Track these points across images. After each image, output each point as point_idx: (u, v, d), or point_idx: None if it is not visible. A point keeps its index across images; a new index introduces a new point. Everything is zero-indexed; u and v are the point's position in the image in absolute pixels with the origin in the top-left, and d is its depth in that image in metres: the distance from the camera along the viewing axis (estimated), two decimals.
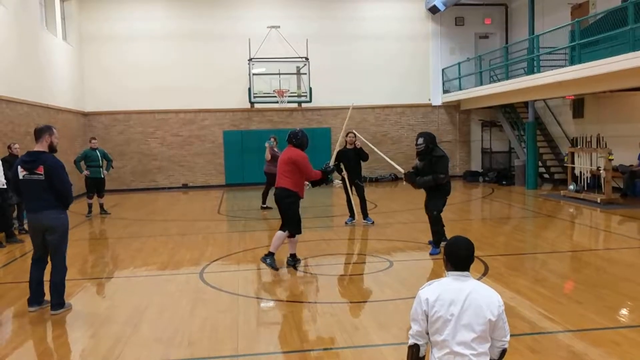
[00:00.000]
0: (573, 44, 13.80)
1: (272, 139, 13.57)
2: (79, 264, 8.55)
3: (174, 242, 10.17)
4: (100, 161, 13.76)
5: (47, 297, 6.11)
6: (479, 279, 7.14)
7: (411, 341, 3.51)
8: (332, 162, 8.86)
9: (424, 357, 3.49)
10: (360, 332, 5.35)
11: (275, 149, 13.33)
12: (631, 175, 14.10)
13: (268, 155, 13.28)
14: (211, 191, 19.43)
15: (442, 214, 8.47)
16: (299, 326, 5.60)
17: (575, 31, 13.81)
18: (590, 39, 13.28)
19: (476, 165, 21.64)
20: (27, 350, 5.15)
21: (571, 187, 14.46)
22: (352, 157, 11.20)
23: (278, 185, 7.66)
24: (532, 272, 7.51)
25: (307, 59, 19.04)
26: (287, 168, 7.56)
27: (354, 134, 11.53)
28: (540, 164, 18.26)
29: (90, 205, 13.75)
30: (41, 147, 5.99)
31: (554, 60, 16.09)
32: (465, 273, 3.49)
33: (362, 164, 11.43)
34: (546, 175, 18.59)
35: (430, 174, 8.14)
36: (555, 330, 5.23)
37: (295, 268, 7.78)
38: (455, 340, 3.33)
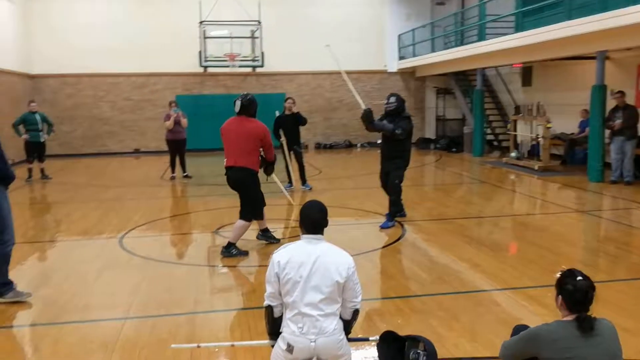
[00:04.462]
0: (516, 11, 13.87)
1: (176, 106, 13.24)
2: None
3: (105, 207, 10.09)
4: (40, 125, 13.48)
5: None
6: (397, 241, 7.33)
7: (265, 302, 3.60)
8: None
9: (280, 317, 3.59)
10: (257, 293, 5.43)
11: (173, 113, 12.98)
12: (570, 143, 14.38)
13: (171, 124, 12.89)
14: (163, 157, 19.12)
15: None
16: (200, 288, 5.68)
17: None
18: (533, 6, 13.34)
19: (430, 133, 21.81)
20: None
21: (513, 154, 14.72)
22: (291, 123, 11.19)
23: (237, 164, 6.52)
24: (447, 236, 7.58)
25: (259, 22, 18.75)
26: (250, 144, 6.48)
27: (293, 100, 11.52)
28: (489, 131, 18.51)
29: (30, 170, 13.52)
30: None
31: (503, 27, 16.14)
32: (318, 236, 3.57)
33: (301, 130, 11.49)
34: (495, 143, 18.87)
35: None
36: (445, 292, 5.38)
37: (269, 240, 7.14)
38: (303, 302, 3.42)
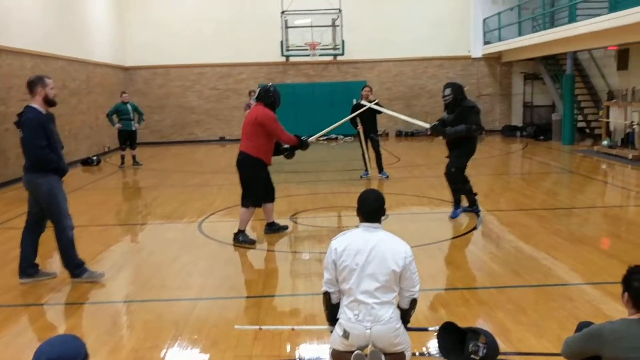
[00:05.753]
0: None
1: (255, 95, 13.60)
2: (91, 211, 9.04)
3: (190, 192, 10.56)
4: (132, 114, 14.25)
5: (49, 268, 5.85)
6: (470, 231, 7.17)
7: (323, 288, 3.65)
8: (315, 138, 7.99)
9: (338, 304, 3.63)
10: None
11: (252, 102, 13.30)
12: None
13: None
14: None
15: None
16: (270, 273, 5.84)
17: None
18: None
19: (517, 120, 21.00)
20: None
21: (605, 142, 13.91)
22: (367, 111, 11.14)
23: (240, 148, 6.76)
24: (525, 228, 7.28)
25: (340, 10, 18.75)
26: (251, 130, 6.58)
27: (370, 88, 11.49)
28: (580, 118, 17.58)
29: (122, 157, 14.34)
30: (35, 102, 5.29)
31: (596, 8, 15.20)
32: (375, 225, 3.58)
33: (379, 118, 11.45)
34: (587, 131, 17.89)
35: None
36: (516, 284, 5.21)
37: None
38: (359, 289, 3.45)
